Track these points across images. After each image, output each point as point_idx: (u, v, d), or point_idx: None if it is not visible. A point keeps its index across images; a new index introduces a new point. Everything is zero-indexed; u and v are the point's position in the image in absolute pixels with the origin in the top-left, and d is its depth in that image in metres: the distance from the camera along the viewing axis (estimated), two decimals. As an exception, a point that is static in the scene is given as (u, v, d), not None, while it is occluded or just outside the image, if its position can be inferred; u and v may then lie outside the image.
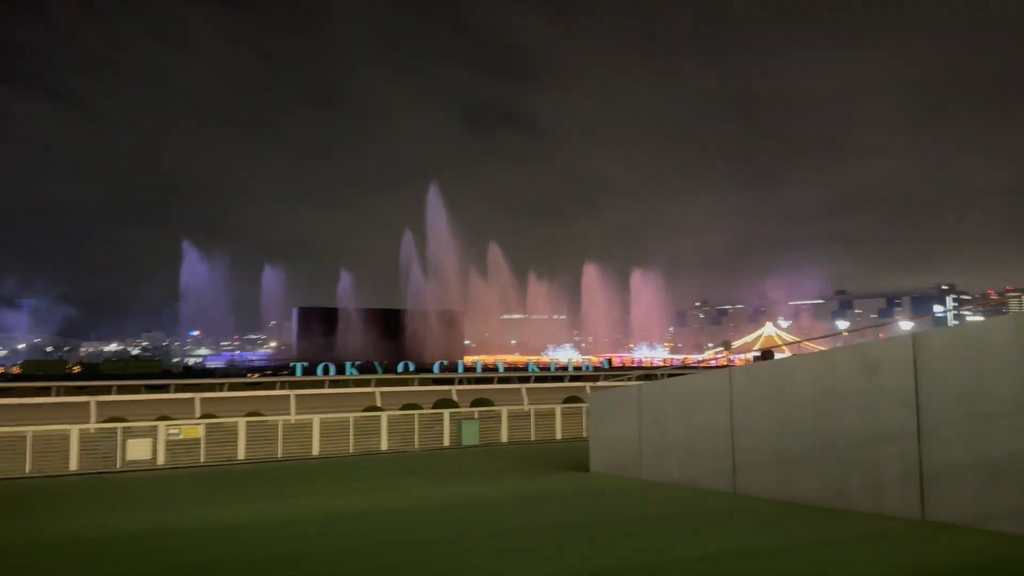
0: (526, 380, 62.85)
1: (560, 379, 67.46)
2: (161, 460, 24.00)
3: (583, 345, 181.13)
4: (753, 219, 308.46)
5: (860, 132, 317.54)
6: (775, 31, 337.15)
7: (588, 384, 41.36)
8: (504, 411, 30.18)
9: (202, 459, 24.47)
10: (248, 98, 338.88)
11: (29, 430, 22.97)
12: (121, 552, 10.01)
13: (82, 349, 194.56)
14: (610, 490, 13.94)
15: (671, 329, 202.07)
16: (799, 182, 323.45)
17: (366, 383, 58.80)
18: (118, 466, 23.35)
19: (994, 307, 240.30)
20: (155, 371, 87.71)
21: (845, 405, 10.86)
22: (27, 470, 22.40)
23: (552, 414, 30.91)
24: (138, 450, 24.02)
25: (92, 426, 24.50)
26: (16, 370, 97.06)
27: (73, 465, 22.96)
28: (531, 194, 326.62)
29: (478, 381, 67.31)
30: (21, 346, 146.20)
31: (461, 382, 61.40)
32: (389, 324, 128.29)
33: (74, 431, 23.37)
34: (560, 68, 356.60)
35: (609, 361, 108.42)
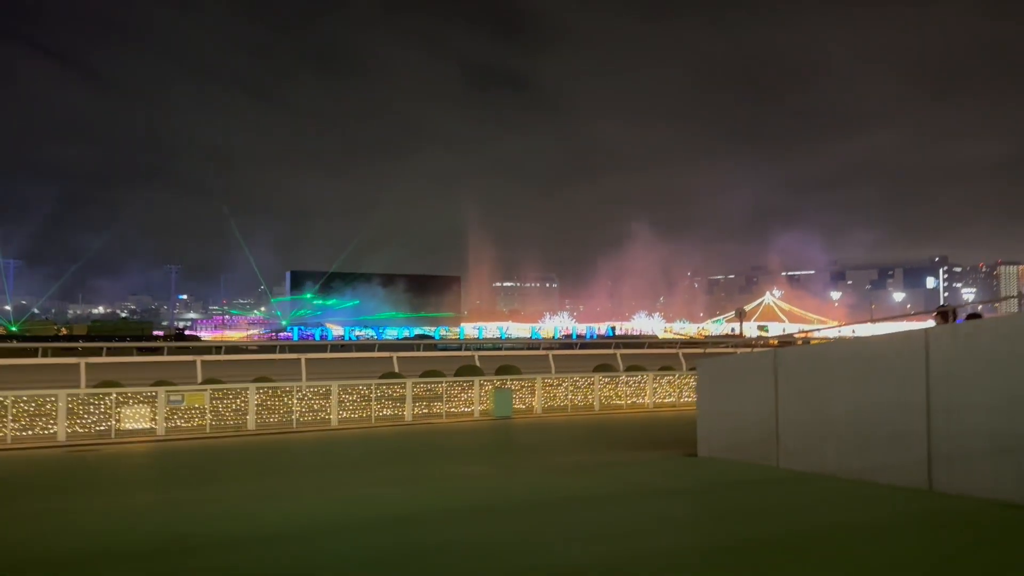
0: (535, 348, 60.33)
1: (571, 347, 64.79)
2: (161, 430, 21.04)
3: (575, 314, 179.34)
4: (755, 189, 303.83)
5: (867, 102, 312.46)
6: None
7: (619, 352, 38.56)
8: (539, 380, 27.32)
9: (207, 430, 21.54)
10: (249, 60, 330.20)
11: (10, 395, 19.92)
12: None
13: (69, 311, 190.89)
14: (754, 482, 11.03)
15: (661, 299, 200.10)
16: (804, 153, 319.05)
17: (370, 348, 56.01)
18: (112, 436, 20.38)
19: (984, 279, 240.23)
20: (147, 334, 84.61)
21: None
22: (8, 441, 19.39)
23: (590, 384, 28.04)
24: (135, 418, 21.05)
25: (82, 391, 21.45)
26: (1, 331, 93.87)
27: (61, 435, 19.97)
28: (531, 160, 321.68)
29: (481, 348, 64.48)
30: (7, 307, 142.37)
31: (467, 348, 58.65)
32: (390, 288, 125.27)
33: (62, 396, 20.35)
34: (566, 34, 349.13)
35: (613, 329, 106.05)
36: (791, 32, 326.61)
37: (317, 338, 77.76)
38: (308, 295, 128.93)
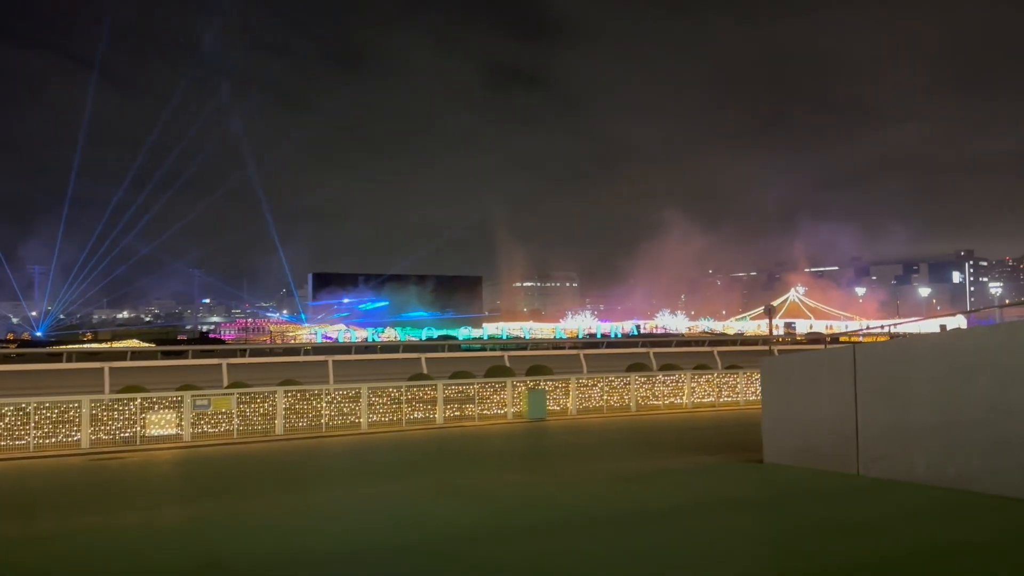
0: (560, 347, 59.36)
1: (597, 346, 63.71)
2: (187, 436, 20.37)
3: (596, 313, 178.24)
4: (779, 185, 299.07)
5: (892, 96, 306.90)
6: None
7: (651, 350, 37.49)
8: (573, 380, 26.41)
9: (235, 435, 20.84)
10: (270, 62, 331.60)
11: (33, 401, 19.31)
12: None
13: (95, 316, 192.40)
14: (836, 493, 10.04)
15: (682, 297, 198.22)
16: (829, 147, 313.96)
17: (394, 349, 55.38)
18: (137, 443, 19.73)
19: (1011, 273, 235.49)
20: (172, 337, 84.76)
21: None
22: (31, 449, 18.78)
23: (626, 384, 27.07)
24: (161, 424, 20.39)
25: (106, 396, 20.83)
26: (26, 336, 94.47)
27: (84, 443, 19.34)
28: (551, 159, 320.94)
29: (506, 348, 63.56)
30: (33, 313, 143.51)
31: (491, 349, 57.79)
32: (413, 289, 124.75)
33: (85, 402, 19.72)
34: (585, 28, 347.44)
35: (638, 328, 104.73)
36: (816, 25, 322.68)
37: (340, 340, 77.28)
38: (331, 301, 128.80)
